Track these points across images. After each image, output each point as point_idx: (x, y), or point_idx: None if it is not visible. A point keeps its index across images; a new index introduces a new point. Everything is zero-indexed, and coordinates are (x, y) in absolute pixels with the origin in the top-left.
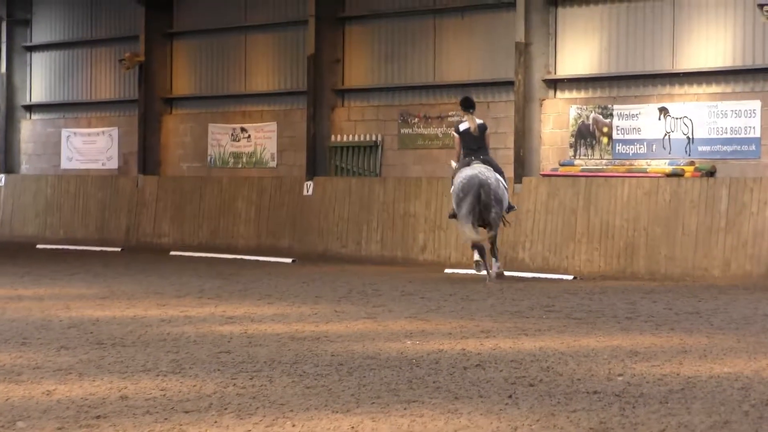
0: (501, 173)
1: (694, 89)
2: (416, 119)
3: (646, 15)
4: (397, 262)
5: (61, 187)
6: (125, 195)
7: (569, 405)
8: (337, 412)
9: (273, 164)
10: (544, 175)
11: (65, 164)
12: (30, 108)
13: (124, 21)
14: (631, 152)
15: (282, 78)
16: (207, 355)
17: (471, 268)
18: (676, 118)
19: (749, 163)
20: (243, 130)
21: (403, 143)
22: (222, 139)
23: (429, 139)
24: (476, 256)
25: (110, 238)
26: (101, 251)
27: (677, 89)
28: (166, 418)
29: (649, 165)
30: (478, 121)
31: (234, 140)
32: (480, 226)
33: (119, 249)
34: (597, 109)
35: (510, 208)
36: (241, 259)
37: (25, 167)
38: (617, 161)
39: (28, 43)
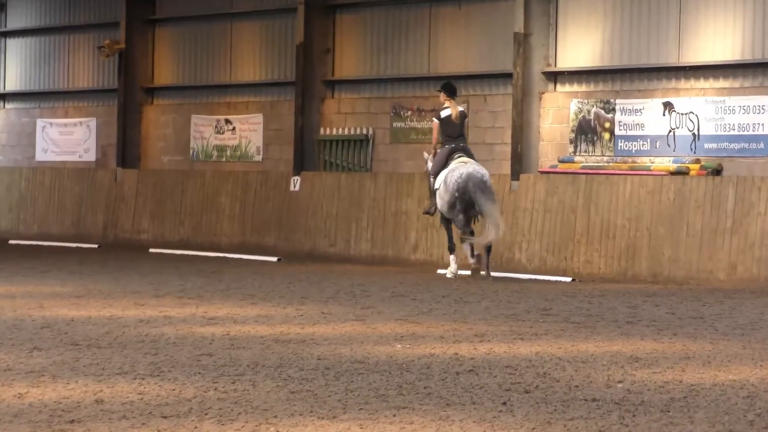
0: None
1: (701, 83)
2: (409, 112)
3: (651, 5)
4: (387, 262)
5: (35, 180)
6: (103, 189)
7: (566, 413)
8: (323, 418)
9: (258, 158)
10: (542, 172)
11: (40, 156)
12: (4, 96)
13: (104, 6)
14: (633, 149)
15: (269, 68)
16: (187, 358)
17: (465, 268)
18: (682, 114)
19: (757, 161)
20: (227, 122)
21: (395, 137)
22: (205, 131)
23: (422, 133)
24: (469, 254)
25: (87, 234)
26: (77, 248)
27: (683, 83)
28: (143, 423)
29: (652, 162)
30: (459, 108)
31: (218, 132)
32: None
33: (96, 246)
34: (599, 104)
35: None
36: (224, 257)
37: None
38: (619, 158)
39: (3, 29)
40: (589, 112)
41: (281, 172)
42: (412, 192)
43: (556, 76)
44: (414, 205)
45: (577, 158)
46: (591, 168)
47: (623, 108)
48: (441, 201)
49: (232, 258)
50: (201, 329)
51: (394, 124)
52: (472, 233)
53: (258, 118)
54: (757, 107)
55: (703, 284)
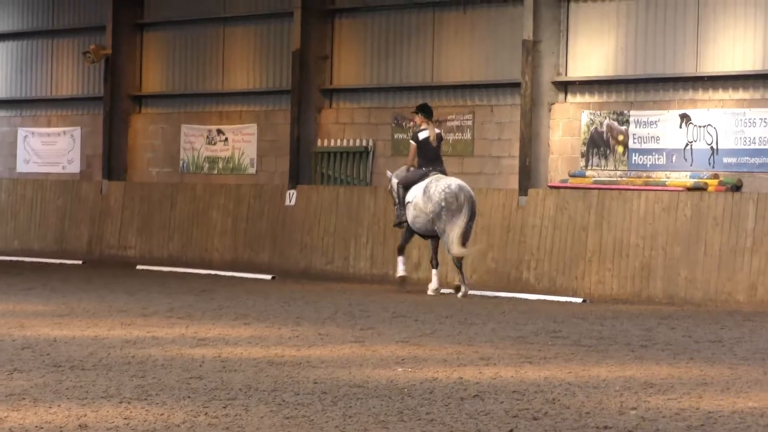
0: None
1: (720, 95)
2: (411, 123)
3: (667, 12)
4: (387, 281)
5: (16, 192)
6: (88, 202)
7: None
8: None
9: (252, 170)
10: (552, 187)
11: (21, 167)
12: None
13: (90, 10)
14: (648, 163)
15: (263, 75)
16: (176, 381)
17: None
18: (699, 127)
19: None
20: (219, 132)
21: (396, 149)
22: (196, 141)
23: None
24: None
25: (70, 249)
26: (60, 264)
27: (701, 94)
28: None
29: (668, 177)
30: (437, 130)
31: (209, 143)
32: (428, 236)
33: (80, 262)
34: (612, 115)
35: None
36: (216, 274)
37: None
38: (633, 173)
39: None
40: (601, 124)
41: (276, 186)
42: None
43: (566, 86)
44: None
45: (588, 173)
46: (603, 183)
47: (637, 120)
48: (415, 212)
49: (224, 276)
50: (191, 351)
51: (396, 136)
52: (437, 262)
53: (252, 128)
54: None
55: (721, 306)
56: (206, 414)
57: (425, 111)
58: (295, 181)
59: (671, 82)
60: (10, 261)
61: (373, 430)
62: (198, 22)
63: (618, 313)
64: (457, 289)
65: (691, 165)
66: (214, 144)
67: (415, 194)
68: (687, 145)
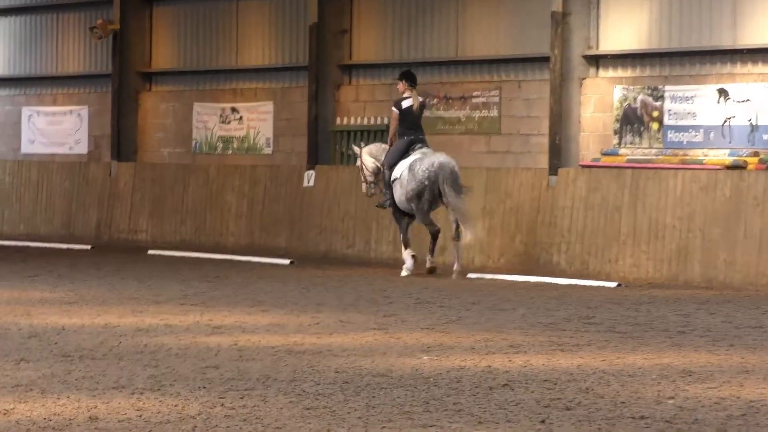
0: None
1: (759, 68)
2: (435, 100)
3: None
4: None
5: (21, 174)
6: (96, 185)
7: None
8: None
9: (268, 150)
10: (583, 166)
11: (26, 148)
12: None
13: None
14: (684, 140)
15: (279, 51)
16: (191, 371)
17: (494, 272)
18: (738, 102)
19: None
20: (234, 110)
21: None
22: (209, 120)
23: (450, 123)
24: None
25: (78, 234)
26: (68, 249)
27: (739, 68)
28: None
29: (705, 156)
30: (420, 98)
31: (223, 122)
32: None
33: (89, 247)
34: (645, 91)
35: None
36: (231, 259)
37: None
38: (669, 151)
39: None
40: (635, 99)
41: (293, 166)
42: None
43: (598, 60)
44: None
45: (621, 151)
46: (637, 162)
47: (673, 95)
48: (401, 191)
49: (240, 261)
50: (206, 339)
51: None
52: (437, 231)
53: (267, 106)
54: None
55: (762, 290)
56: (222, 405)
57: (409, 78)
58: (313, 161)
59: (708, 55)
60: (16, 246)
61: (398, 421)
62: None
63: (654, 297)
64: (431, 271)
65: (729, 142)
66: (228, 123)
67: (401, 171)
68: (725, 121)
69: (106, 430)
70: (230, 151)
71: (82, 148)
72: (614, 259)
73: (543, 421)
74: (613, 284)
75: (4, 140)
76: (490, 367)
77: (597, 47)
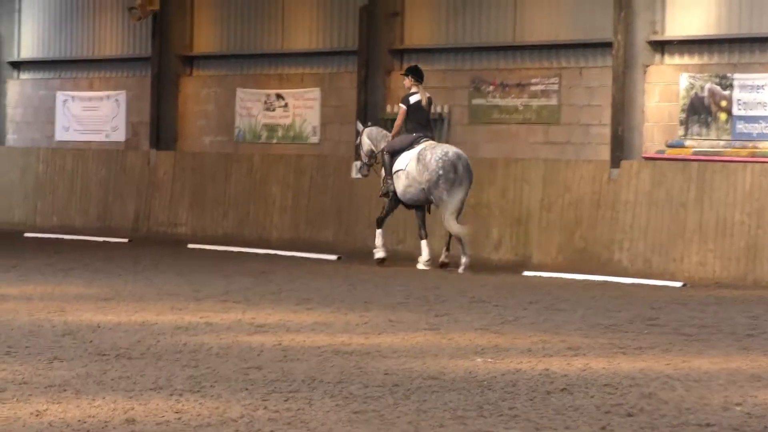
0: None
1: None
2: (491, 87)
3: None
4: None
5: (55, 163)
6: (134, 174)
7: None
8: None
9: (315, 139)
10: (647, 159)
11: (61, 135)
12: (18, 65)
13: None
14: (754, 132)
15: (327, 34)
16: (232, 371)
17: (551, 270)
18: None
19: None
20: (279, 97)
21: (474, 116)
22: (253, 107)
23: (507, 111)
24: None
25: (115, 226)
26: (104, 242)
27: None
28: None
29: None
30: (427, 93)
31: (268, 109)
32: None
33: (126, 240)
34: (714, 79)
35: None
36: (275, 254)
37: (11, 138)
38: (738, 143)
39: None
40: (702, 88)
41: (341, 156)
42: (495, 180)
43: (663, 46)
44: (497, 196)
45: (688, 142)
46: (704, 154)
47: (742, 84)
48: (407, 181)
49: (284, 256)
50: (248, 338)
51: (474, 101)
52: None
53: (314, 92)
54: None
55: None
56: (266, 408)
57: (416, 73)
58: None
59: None
60: (49, 239)
61: (450, 426)
62: None
63: (721, 298)
64: (444, 265)
65: None
66: (273, 110)
67: (406, 162)
68: None
69: None
70: (275, 140)
71: (120, 136)
72: (679, 257)
73: (603, 428)
74: (678, 284)
75: (38, 127)
76: (547, 370)
77: (662, 32)
